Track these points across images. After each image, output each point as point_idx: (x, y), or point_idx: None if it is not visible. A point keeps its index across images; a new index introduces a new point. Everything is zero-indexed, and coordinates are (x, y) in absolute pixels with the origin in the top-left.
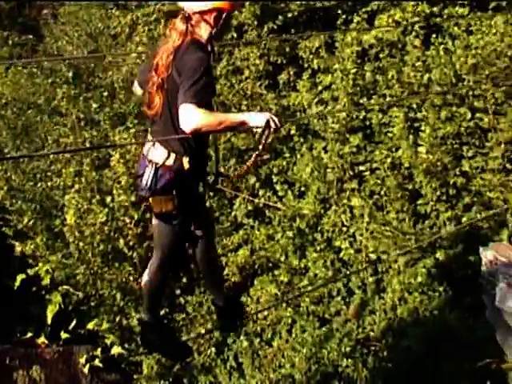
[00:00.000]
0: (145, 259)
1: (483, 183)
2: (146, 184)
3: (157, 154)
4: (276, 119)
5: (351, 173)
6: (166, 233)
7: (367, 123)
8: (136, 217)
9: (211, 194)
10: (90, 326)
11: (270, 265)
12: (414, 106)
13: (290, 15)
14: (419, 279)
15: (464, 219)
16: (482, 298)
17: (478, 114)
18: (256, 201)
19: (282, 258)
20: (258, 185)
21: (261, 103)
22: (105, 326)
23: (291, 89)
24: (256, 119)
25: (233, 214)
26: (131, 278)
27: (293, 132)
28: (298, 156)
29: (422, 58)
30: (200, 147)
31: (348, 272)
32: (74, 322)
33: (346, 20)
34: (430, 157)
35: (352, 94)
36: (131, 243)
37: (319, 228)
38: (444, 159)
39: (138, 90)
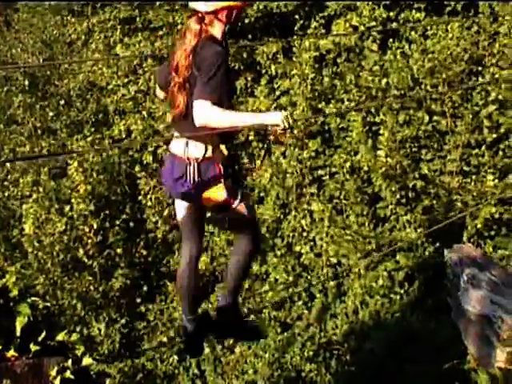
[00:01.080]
0: (105, 268)
1: (442, 186)
2: (194, 181)
3: (194, 150)
4: (290, 116)
5: (310, 177)
6: (238, 214)
7: (326, 128)
8: (95, 226)
9: (170, 200)
10: (60, 337)
11: None
12: (372, 110)
13: (246, 21)
14: (380, 282)
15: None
16: (443, 299)
17: (435, 118)
18: None
19: None
20: None
21: None
22: (74, 337)
23: (249, 94)
24: (272, 118)
25: None
26: (91, 288)
27: (251, 138)
28: (258, 162)
29: (379, 62)
30: (231, 133)
31: (309, 276)
32: (43, 334)
33: (303, 25)
34: (388, 160)
35: (310, 98)
36: (91, 252)
37: (279, 233)
38: (403, 162)
39: (160, 93)
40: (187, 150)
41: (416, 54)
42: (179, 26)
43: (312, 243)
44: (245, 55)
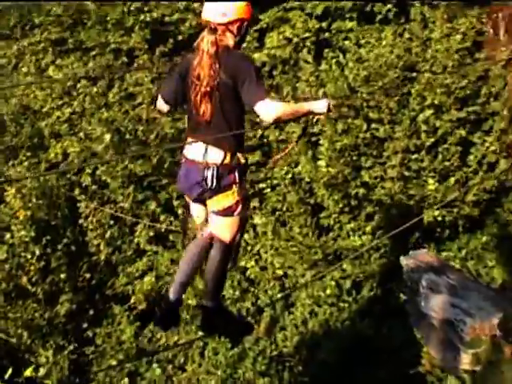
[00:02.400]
0: (49, 294)
1: (384, 192)
2: (212, 185)
3: (214, 155)
4: (331, 103)
5: (252, 191)
6: (229, 226)
7: (265, 141)
8: (37, 252)
9: (112, 222)
10: (28, 373)
11: None
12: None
13: (180, 38)
14: (328, 291)
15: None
16: (392, 304)
17: (373, 125)
18: (158, 226)
19: None
20: (158, 210)
21: (157, 128)
22: (42, 371)
23: (185, 111)
24: (320, 106)
25: (135, 240)
26: (36, 315)
27: None
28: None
29: (315, 73)
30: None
31: (256, 290)
32: (9, 371)
33: None
34: (329, 170)
35: (248, 112)
36: (34, 279)
37: None
38: (344, 171)
39: (164, 107)
40: (206, 155)
41: (351, 63)
42: (112, 46)
43: (257, 257)
44: None
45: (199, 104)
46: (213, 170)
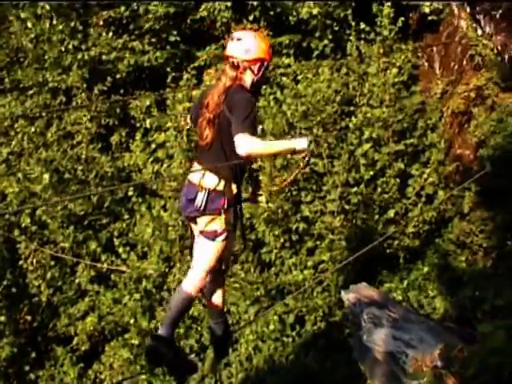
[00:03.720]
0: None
1: (324, 226)
2: (200, 206)
3: (209, 180)
4: (314, 141)
5: None
6: (208, 249)
7: None
8: None
9: (52, 263)
10: None
11: (120, 329)
12: None
13: (118, 76)
14: (271, 327)
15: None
16: (336, 338)
17: (312, 160)
18: (99, 265)
19: (132, 321)
20: (99, 249)
21: (96, 167)
22: None
23: (124, 150)
24: (302, 144)
25: (76, 281)
26: None
27: (130, 193)
28: (138, 217)
29: None
30: (242, 175)
31: (199, 328)
32: None
33: (174, 77)
34: (270, 205)
35: (187, 150)
36: None
37: (165, 287)
38: (284, 206)
39: (193, 128)
40: (203, 179)
41: (289, 99)
42: (50, 85)
43: (199, 294)
44: (118, 110)
45: (203, 129)
46: (204, 193)
